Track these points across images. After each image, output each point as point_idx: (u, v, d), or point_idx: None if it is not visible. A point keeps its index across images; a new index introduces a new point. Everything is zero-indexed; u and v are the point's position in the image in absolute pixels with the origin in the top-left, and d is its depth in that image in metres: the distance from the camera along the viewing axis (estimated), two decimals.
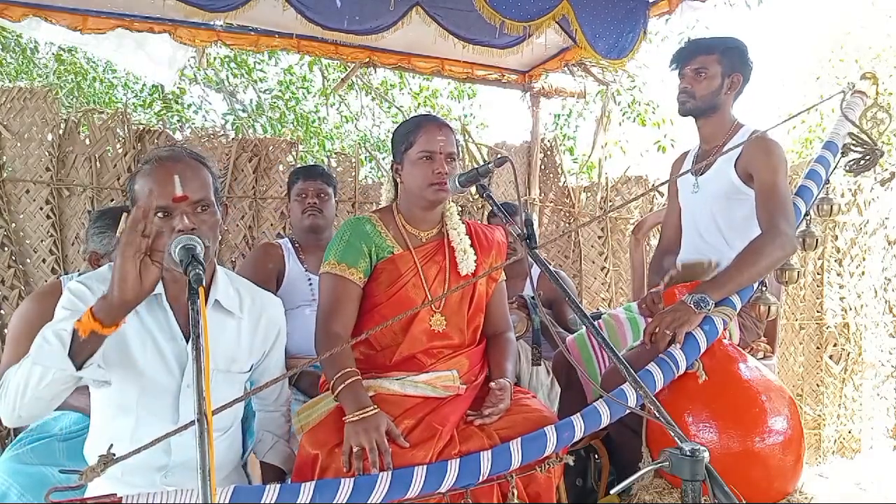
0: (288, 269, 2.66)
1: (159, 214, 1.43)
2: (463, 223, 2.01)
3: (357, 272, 1.87)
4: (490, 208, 1.76)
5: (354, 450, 1.54)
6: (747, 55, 2.28)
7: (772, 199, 2.08)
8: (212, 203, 1.49)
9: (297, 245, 2.74)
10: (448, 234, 1.97)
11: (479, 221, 2.45)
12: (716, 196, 2.28)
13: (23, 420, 1.37)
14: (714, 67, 2.24)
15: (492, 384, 1.84)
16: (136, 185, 1.49)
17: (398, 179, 1.95)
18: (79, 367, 1.28)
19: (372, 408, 1.63)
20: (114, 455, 1.20)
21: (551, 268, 3.10)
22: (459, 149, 1.96)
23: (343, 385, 1.67)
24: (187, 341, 1.53)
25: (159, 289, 1.53)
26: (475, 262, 1.95)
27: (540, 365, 2.66)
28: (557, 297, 3.09)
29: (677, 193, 2.53)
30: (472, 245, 1.96)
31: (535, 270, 3.15)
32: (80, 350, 1.27)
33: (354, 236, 1.89)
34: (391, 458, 1.55)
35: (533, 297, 2.77)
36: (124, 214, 1.23)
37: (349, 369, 1.70)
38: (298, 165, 3.58)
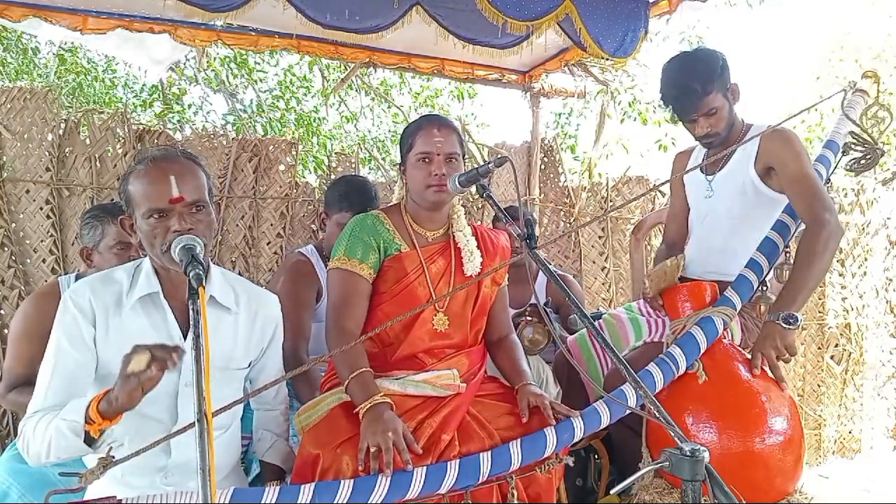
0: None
1: (155, 216, 1.43)
2: (469, 226, 2.01)
3: (367, 268, 1.86)
4: (493, 211, 1.75)
5: (372, 450, 1.52)
6: (724, 59, 2.24)
7: (805, 188, 2.07)
8: (207, 204, 1.50)
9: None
10: (454, 236, 1.97)
11: (479, 223, 2.42)
12: (733, 196, 2.25)
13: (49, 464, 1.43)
14: (719, 100, 2.20)
15: (524, 398, 1.78)
16: (129, 186, 1.47)
17: (404, 180, 1.96)
18: (92, 446, 1.34)
19: (379, 395, 1.64)
20: (112, 458, 1.20)
21: (558, 271, 3.12)
22: (464, 146, 1.95)
23: (352, 376, 1.69)
24: (185, 339, 1.52)
25: (156, 286, 1.52)
26: (481, 264, 1.95)
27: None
28: (564, 302, 3.08)
29: (682, 189, 2.49)
30: (478, 247, 1.96)
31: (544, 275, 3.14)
32: (93, 438, 1.33)
33: (363, 231, 1.89)
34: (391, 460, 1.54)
35: (546, 306, 2.74)
36: (137, 354, 1.24)
37: (364, 369, 1.71)
38: (343, 176, 3.06)
